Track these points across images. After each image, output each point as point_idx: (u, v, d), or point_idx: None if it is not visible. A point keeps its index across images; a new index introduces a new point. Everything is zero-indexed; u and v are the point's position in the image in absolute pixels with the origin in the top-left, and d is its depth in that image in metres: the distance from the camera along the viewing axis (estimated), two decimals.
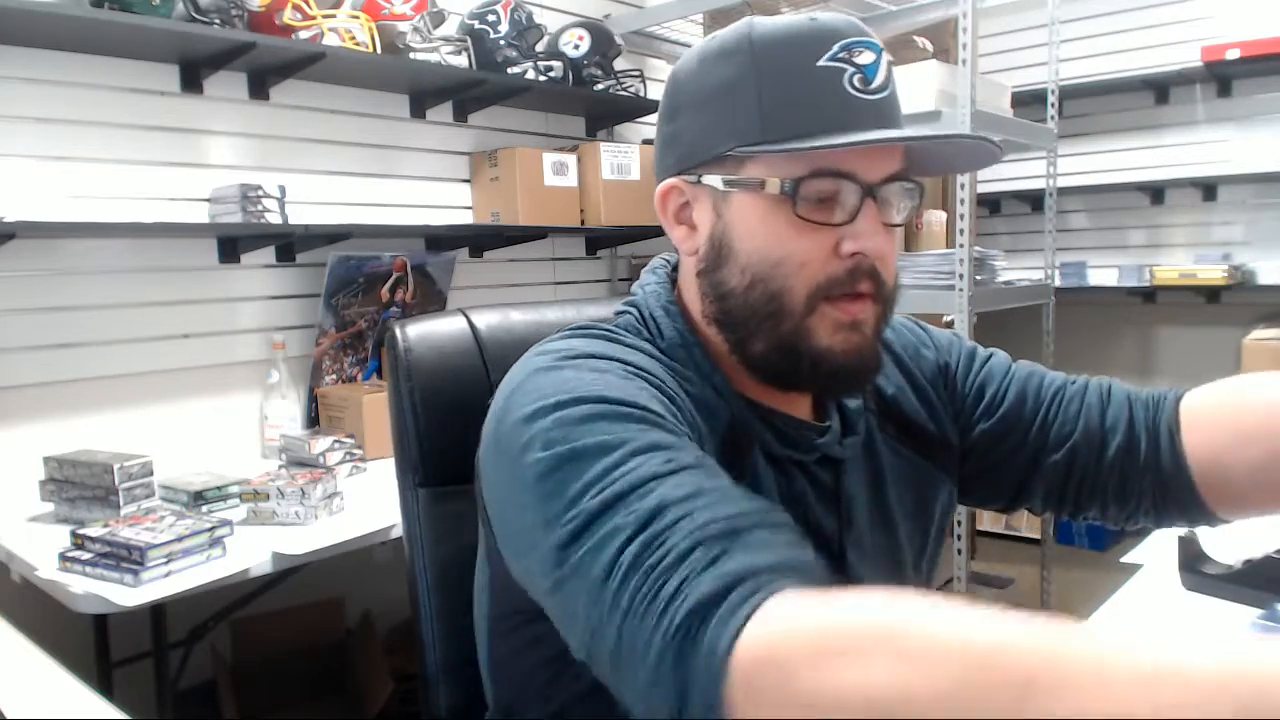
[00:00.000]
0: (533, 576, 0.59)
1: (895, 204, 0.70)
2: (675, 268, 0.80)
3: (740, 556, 0.47)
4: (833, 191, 0.67)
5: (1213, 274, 3.31)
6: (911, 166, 0.71)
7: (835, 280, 0.67)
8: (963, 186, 2.18)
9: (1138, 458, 0.80)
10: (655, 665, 0.46)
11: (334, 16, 2.19)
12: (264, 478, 1.74)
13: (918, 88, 2.23)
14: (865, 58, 0.67)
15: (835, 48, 0.66)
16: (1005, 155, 0.79)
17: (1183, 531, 1.15)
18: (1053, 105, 2.68)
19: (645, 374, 0.66)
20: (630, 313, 0.77)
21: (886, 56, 0.68)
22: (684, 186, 0.73)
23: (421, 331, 0.95)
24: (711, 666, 0.43)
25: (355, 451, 2.05)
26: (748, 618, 0.44)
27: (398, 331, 0.94)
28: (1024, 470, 0.84)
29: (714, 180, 0.70)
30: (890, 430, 0.83)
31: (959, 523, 2.34)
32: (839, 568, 0.75)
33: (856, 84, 0.66)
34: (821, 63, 0.66)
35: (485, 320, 0.98)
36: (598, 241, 3.03)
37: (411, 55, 2.35)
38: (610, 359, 0.66)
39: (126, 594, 1.34)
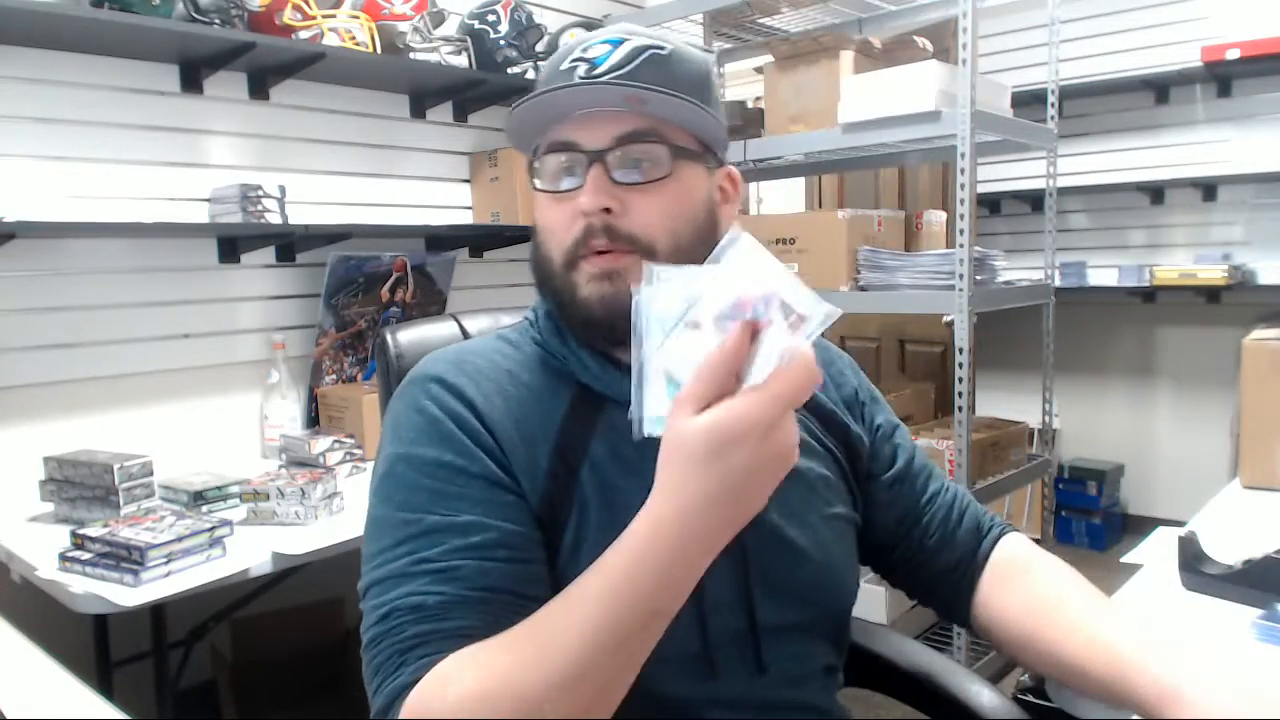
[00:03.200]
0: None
1: (631, 165, 0.75)
2: None
3: (406, 673, 0.64)
4: (567, 164, 0.75)
5: (1213, 274, 3.31)
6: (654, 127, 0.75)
7: (577, 242, 0.75)
8: (962, 187, 2.17)
9: (948, 579, 0.91)
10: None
11: (334, 16, 2.19)
12: (264, 478, 1.74)
13: (918, 88, 2.22)
14: (596, 50, 0.75)
15: (575, 51, 0.76)
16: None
17: (1183, 531, 1.15)
18: (1053, 105, 2.67)
19: (472, 408, 0.75)
20: (529, 315, 0.87)
21: (632, 45, 0.75)
22: None
23: (413, 337, 0.95)
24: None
25: (355, 451, 2.05)
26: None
27: (389, 337, 0.94)
28: (871, 532, 0.92)
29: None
30: (801, 408, 0.87)
31: None
32: None
33: (582, 73, 0.74)
34: (562, 66, 0.76)
35: (477, 325, 0.98)
36: None
37: (411, 55, 2.35)
38: (456, 392, 0.76)
39: (126, 594, 1.34)
